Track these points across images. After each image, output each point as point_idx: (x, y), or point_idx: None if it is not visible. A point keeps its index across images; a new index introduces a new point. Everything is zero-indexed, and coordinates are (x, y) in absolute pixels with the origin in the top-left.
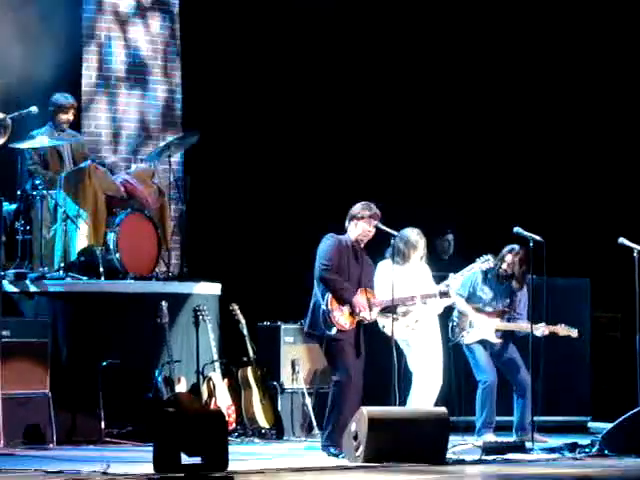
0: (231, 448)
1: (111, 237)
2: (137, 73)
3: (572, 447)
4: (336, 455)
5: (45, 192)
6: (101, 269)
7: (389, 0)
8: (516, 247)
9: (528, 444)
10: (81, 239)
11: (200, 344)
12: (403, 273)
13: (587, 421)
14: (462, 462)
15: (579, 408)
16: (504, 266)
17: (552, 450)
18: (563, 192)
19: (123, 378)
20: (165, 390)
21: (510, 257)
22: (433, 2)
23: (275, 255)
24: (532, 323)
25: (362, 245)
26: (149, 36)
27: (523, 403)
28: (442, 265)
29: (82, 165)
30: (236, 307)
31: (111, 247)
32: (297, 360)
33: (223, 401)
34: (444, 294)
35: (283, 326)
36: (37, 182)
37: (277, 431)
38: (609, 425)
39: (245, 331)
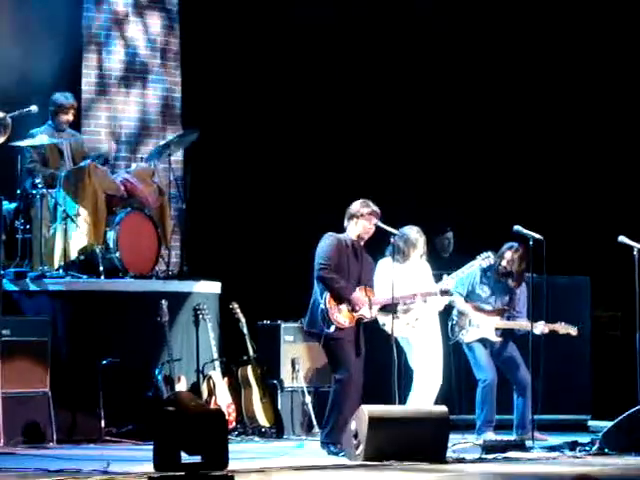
0: (231, 447)
1: (111, 236)
2: (137, 72)
3: (572, 445)
4: (336, 453)
5: (45, 191)
6: (101, 268)
7: (389, 2)
8: (515, 244)
9: (528, 442)
10: (81, 238)
11: (200, 343)
12: (403, 271)
13: (587, 419)
14: (462, 461)
15: (579, 406)
16: (503, 263)
17: (552, 448)
18: (563, 190)
19: (123, 377)
20: (165, 389)
21: (509, 254)
22: (433, 2)
23: (275, 254)
24: (532, 321)
25: (362, 243)
26: (149, 35)
27: (523, 402)
28: (442, 263)
29: (82, 164)
30: (236, 306)
31: (111, 246)
32: (297, 359)
33: (223, 400)
34: (445, 292)
35: (283, 325)
36: (37, 181)
37: (277, 430)
38: (609, 423)
39: (245, 330)
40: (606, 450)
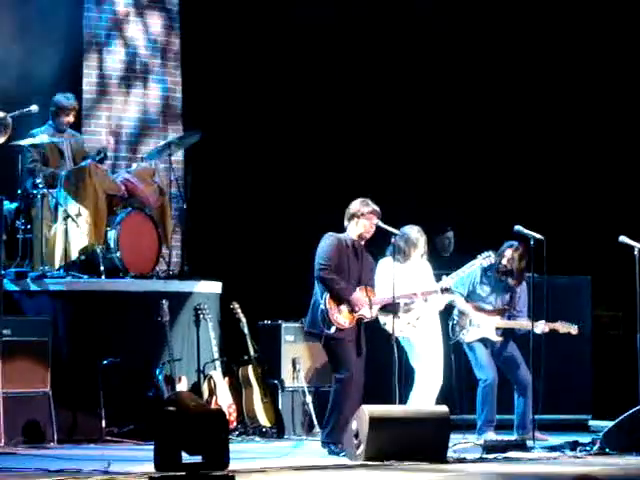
0: (232, 447)
1: (112, 236)
2: (137, 72)
3: (573, 445)
4: (337, 453)
5: (46, 191)
6: (102, 268)
7: (389, 2)
8: (515, 243)
9: (529, 442)
10: (82, 238)
11: (201, 343)
12: (404, 271)
13: (588, 419)
14: (463, 461)
15: (580, 406)
16: (504, 261)
17: (553, 448)
18: (564, 190)
19: (124, 377)
20: (166, 389)
21: (510, 252)
22: (433, 2)
23: (276, 254)
24: (532, 321)
25: (362, 243)
26: (149, 35)
27: (524, 401)
28: (442, 263)
29: (83, 164)
30: (237, 306)
31: (112, 246)
32: (298, 358)
33: (224, 400)
34: (445, 290)
35: (284, 325)
36: (38, 181)
37: (278, 430)
38: (610, 423)
39: (246, 330)
40: (607, 450)
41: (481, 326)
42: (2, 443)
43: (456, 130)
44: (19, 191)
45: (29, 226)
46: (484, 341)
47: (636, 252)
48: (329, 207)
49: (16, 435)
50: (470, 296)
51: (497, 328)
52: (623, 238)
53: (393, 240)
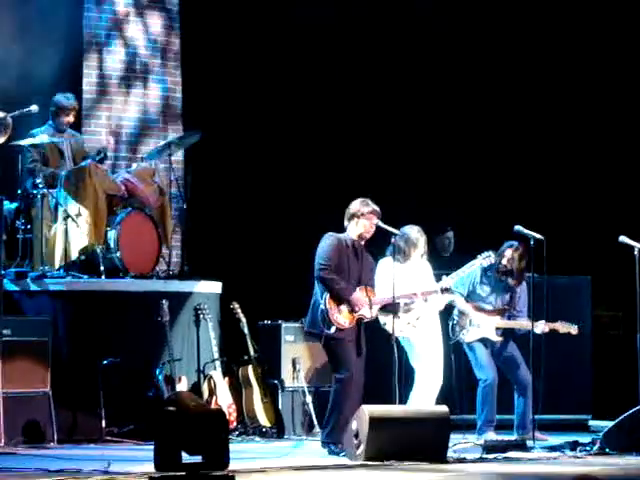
0: (232, 447)
1: (112, 236)
2: (137, 72)
3: (573, 445)
4: (337, 453)
5: (46, 191)
6: (102, 268)
7: (389, 1)
8: (515, 243)
9: (529, 442)
10: (82, 238)
11: (201, 343)
12: (404, 271)
13: (588, 419)
14: (463, 461)
15: (580, 406)
16: (504, 261)
17: (553, 448)
18: (564, 190)
19: (124, 377)
20: (166, 389)
21: (510, 252)
22: (433, 2)
23: (276, 254)
24: (532, 320)
25: (363, 242)
26: (149, 35)
27: (524, 401)
28: (442, 263)
29: (83, 164)
30: (237, 306)
31: (112, 246)
32: (298, 358)
33: (224, 400)
34: (445, 290)
35: (284, 324)
36: (38, 181)
37: (278, 430)
38: (610, 423)
39: (246, 330)
40: (607, 450)
41: (481, 326)
42: (2, 443)
43: (456, 130)
44: (19, 191)
45: (29, 226)
46: (484, 341)
47: (636, 252)
48: (329, 207)
49: (16, 435)
50: (470, 296)
51: (497, 328)
52: (623, 238)
53: (393, 240)
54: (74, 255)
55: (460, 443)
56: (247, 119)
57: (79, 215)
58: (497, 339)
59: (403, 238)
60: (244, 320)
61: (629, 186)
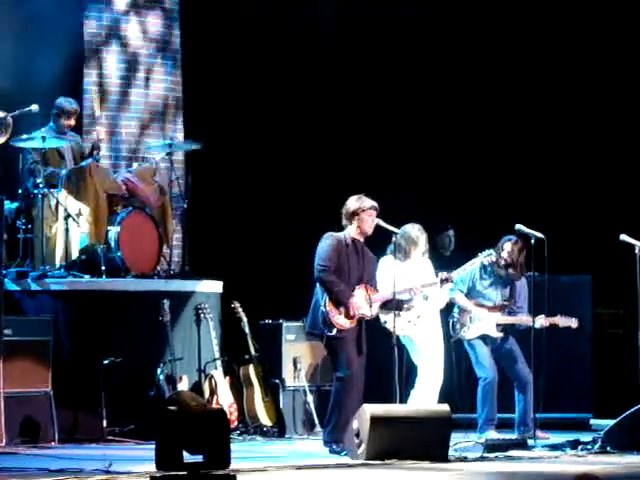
0: (233, 446)
1: (112, 235)
2: (137, 72)
3: (574, 444)
4: (338, 452)
5: (46, 190)
6: (102, 267)
7: (389, 1)
8: (513, 237)
9: (530, 441)
10: (82, 237)
11: (202, 342)
12: (405, 269)
13: (589, 418)
14: (464, 460)
15: (581, 405)
16: (504, 255)
17: (554, 447)
18: (564, 189)
19: (125, 376)
20: (167, 388)
21: (509, 245)
22: (433, 2)
23: (277, 253)
24: (533, 316)
25: (362, 240)
26: (149, 35)
27: (524, 399)
28: (443, 261)
29: (83, 163)
30: (238, 305)
31: (112, 245)
32: (299, 358)
33: (225, 399)
34: (445, 280)
35: (285, 324)
36: (38, 181)
37: (279, 429)
38: (611, 422)
39: (247, 329)
40: (608, 449)
41: (482, 321)
42: (3, 443)
43: (456, 130)
44: (20, 191)
45: (30, 226)
46: (484, 338)
47: (637, 250)
48: (329, 206)
49: (17, 435)
50: (470, 293)
51: (498, 324)
52: (624, 237)
53: (394, 239)
54: (75, 255)
55: (461, 442)
56: (248, 119)
57: (80, 215)
58: (498, 335)
59: (404, 237)
60: (245, 319)
61: (629, 185)
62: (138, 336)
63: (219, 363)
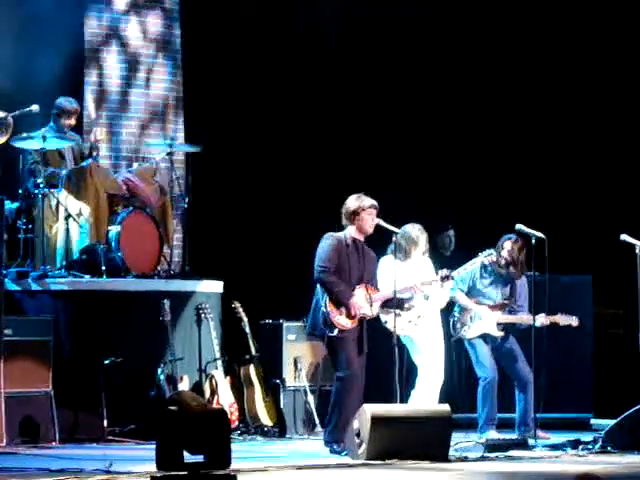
0: (234, 446)
1: (113, 235)
2: (138, 72)
3: (575, 444)
4: (339, 452)
5: (47, 190)
6: (103, 267)
7: (388, 1)
8: (513, 236)
9: (531, 441)
10: (83, 237)
11: (202, 342)
12: (405, 269)
13: (589, 418)
14: (465, 459)
15: (581, 405)
16: (504, 253)
17: (555, 447)
18: (565, 189)
19: (125, 376)
20: (167, 388)
21: (509, 244)
22: (433, 2)
23: (277, 253)
24: (534, 316)
25: (362, 239)
26: (150, 35)
27: (525, 399)
28: (443, 261)
29: (83, 163)
30: (238, 305)
31: (113, 245)
32: (299, 358)
33: (225, 399)
34: (445, 277)
35: (285, 324)
36: (39, 181)
37: (280, 429)
38: (612, 422)
39: (247, 329)
40: (609, 448)
41: (483, 319)
42: (4, 443)
43: (456, 129)
44: (20, 191)
45: (30, 226)
46: (485, 337)
47: (637, 250)
48: (329, 207)
49: (18, 435)
50: (470, 292)
51: (498, 323)
52: (624, 236)
53: (394, 239)
54: (75, 255)
55: (462, 442)
56: (248, 119)
57: (80, 215)
58: (498, 334)
59: (404, 237)
60: (245, 319)
61: (630, 184)
62: (139, 336)
63: (220, 363)
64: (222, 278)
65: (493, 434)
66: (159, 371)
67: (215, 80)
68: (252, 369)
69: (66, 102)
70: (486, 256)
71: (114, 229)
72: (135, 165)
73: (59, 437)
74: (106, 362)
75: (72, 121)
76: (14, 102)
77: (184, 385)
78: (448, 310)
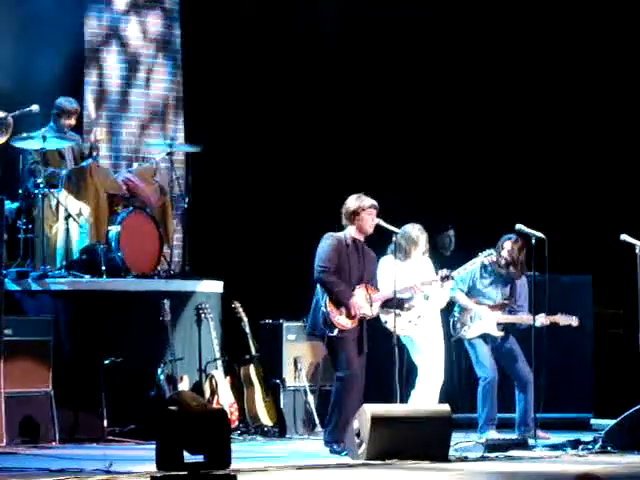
0: (234, 446)
1: (113, 235)
2: (138, 72)
3: (575, 444)
4: (339, 452)
5: (47, 190)
6: (103, 267)
7: (389, 1)
8: (513, 236)
9: (531, 441)
10: (83, 237)
11: (202, 342)
12: (405, 269)
13: (589, 418)
14: (465, 459)
15: (581, 405)
16: (504, 254)
17: (555, 447)
18: (565, 188)
19: (125, 376)
20: (167, 388)
21: (509, 244)
22: (433, 2)
23: (277, 253)
24: (534, 315)
25: (362, 239)
26: (150, 35)
27: (525, 399)
28: (443, 261)
29: (83, 163)
30: (238, 305)
31: (113, 245)
32: (299, 358)
33: (225, 399)
34: (445, 277)
35: (285, 324)
36: (39, 181)
37: (280, 429)
38: (612, 422)
39: (247, 329)
40: (609, 448)
41: (483, 318)
42: (4, 443)
43: (456, 129)
44: (20, 191)
45: (30, 226)
46: (485, 337)
47: (637, 250)
48: (329, 207)
49: (17, 435)
50: (470, 292)
51: (498, 323)
52: (624, 236)
53: (394, 239)
54: (75, 255)
55: (462, 442)
56: (248, 119)
57: (80, 215)
58: (498, 334)
59: (404, 237)
60: (245, 319)
61: (630, 184)
62: (139, 336)
63: (220, 363)
64: (222, 278)
65: (493, 434)
66: (159, 371)
67: (215, 80)
68: (252, 369)
69: (66, 102)
70: (486, 256)
71: (114, 229)
72: (135, 165)
73: (59, 437)
74: (106, 362)
75: (72, 121)
76: (14, 102)
77: (184, 385)
78: (448, 310)
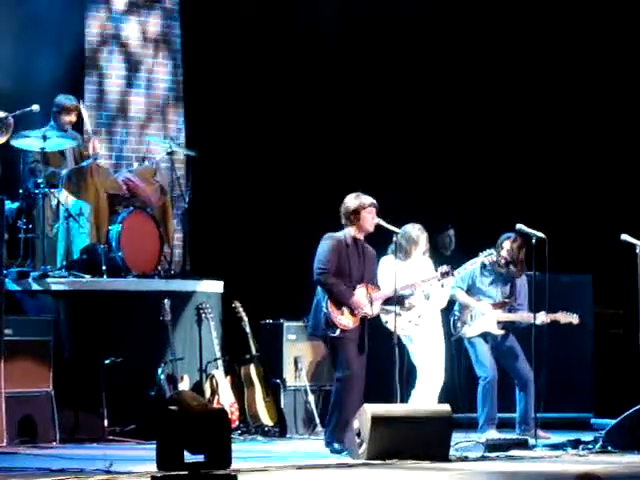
0: (234, 446)
1: (113, 235)
2: (138, 71)
3: (575, 444)
4: (339, 452)
5: (47, 190)
6: (103, 267)
7: (388, 1)
8: (512, 235)
9: (531, 441)
10: (83, 237)
11: (203, 342)
12: (405, 268)
13: (590, 417)
14: (465, 459)
15: (582, 404)
16: (503, 253)
17: (555, 447)
18: (565, 188)
19: (126, 376)
20: (168, 388)
21: (508, 243)
22: (433, 2)
23: (277, 252)
24: (534, 314)
25: (362, 238)
26: (149, 34)
27: (525, 398)
28: (443, 261)
29: (84, 163)
30: (239, 305)
31: (113, 245)
32: (300, 357)
33: (226, 399)
34: (445, 274)
35: (286, 323)
36: (39, 180)
37: (280, 429)
38: (612, 421)
39: (248, 329)
40: (609, 448)
41: (484, 317)
42: (4, 443)
43: (456, 129)
44: (20, 191)
45: (31, 226)
46: (485, 336)
47: (638, 250)
48: (329, 207)
49: (18, 435)
50: (470, 290)
51: (498, 322)
52: (625, 236)
53: (394, 239)
54: (76, 254)
55: (462, 442)
56: (248, 119)
57: (80, 214)
58: (498, 332)
59: (404, 236)
60: (246, 319)
61: (631, 184)
62: (139, 336)
63: (220, 363)
64: (222, 278)
65: (493, 434)
66: (159, 371)
67: (215, 80)
68: (252, 369)
69: (65, 99)
70: (486, 256)
71: (114, 229)
72: (135, 165)
73: (59, 437)
74: (106, 362)
75: (72, 117)
76: (14, 102)
77: (184, 385)
78: (448, 309)
